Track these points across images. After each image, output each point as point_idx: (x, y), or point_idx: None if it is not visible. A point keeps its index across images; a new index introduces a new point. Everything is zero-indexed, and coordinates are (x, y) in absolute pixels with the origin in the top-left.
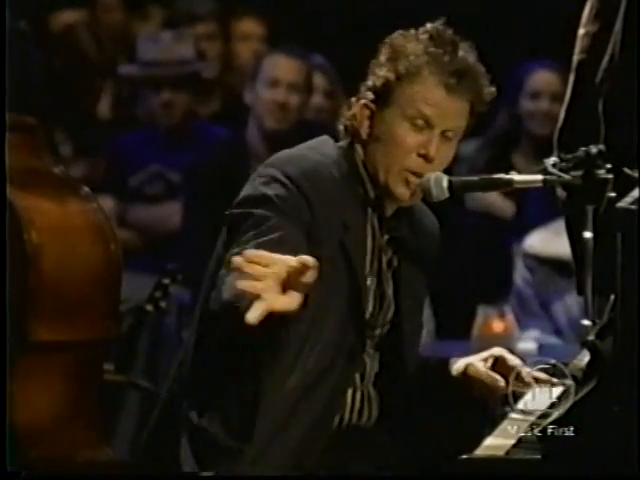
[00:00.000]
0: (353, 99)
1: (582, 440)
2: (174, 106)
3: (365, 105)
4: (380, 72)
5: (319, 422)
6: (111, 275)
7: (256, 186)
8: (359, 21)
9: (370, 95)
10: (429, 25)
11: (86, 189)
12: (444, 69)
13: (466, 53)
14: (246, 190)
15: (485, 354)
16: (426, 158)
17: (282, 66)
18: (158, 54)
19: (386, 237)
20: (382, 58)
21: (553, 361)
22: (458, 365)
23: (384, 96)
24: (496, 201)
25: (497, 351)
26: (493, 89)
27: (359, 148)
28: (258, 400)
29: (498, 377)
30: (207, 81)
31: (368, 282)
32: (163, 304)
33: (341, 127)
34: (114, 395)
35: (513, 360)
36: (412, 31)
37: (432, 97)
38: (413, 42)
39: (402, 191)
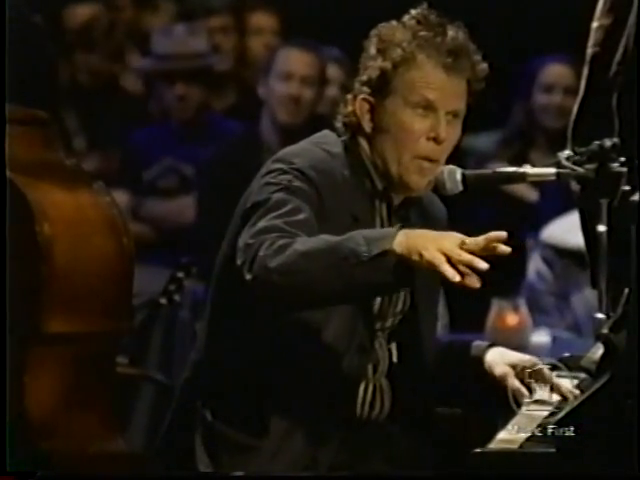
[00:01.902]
0: (349, 96)
1: (592, 435)
2: (188, 100)
3: (364, 99)
4: (374, 64)
5: (332, 417)
6: (123, 268)
7: (268, 180)
8: (376, 13)
9: (366, 89)
10: (413, 11)
11: (99, 182)
12: (439, 50)
13: (455, 32)
14: (257, 184)
15: (520, 360)
16: (436, 141)
17: (295, 59)
18: (172, 47)
19: (396, 227)
20: (372, 51)
21: (544, 365)
22: (490, 362)
23: (382, 87)
24: (520, 187)
25: (535, 364)
26: (486, 65)
27: (363, 142)
28: (272, 396)
29: (525, 392)
30: (221, 75)
31: None
32: (177, 297)
33: (339, 124)
34: (128, 388)
35: (550, 376)
36: (394, 22)
37: (433, 80)
38: (401, 29)
39: (417, 180)
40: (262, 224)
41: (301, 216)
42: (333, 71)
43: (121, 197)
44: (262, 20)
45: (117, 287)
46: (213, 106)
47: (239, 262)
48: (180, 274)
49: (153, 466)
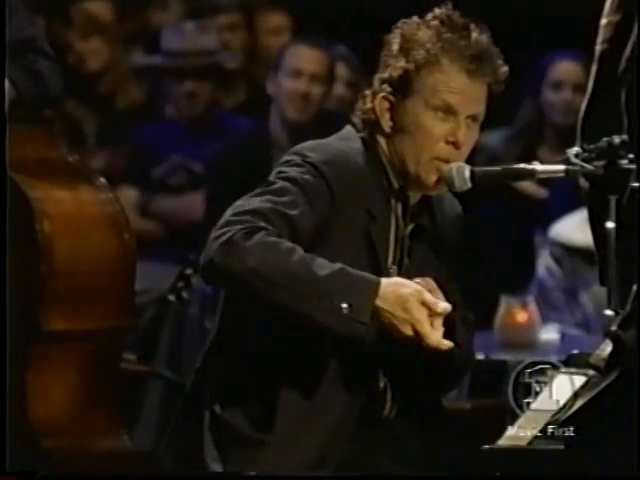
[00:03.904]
0: (368, 92)
1: (600, 433)
2: (197, 97)
3: (384, 98)
4: (397, 63)
5: (341, 414)
6: (125, 265)
7: (281, 168)
8: (382, 12)
9: (387, 87)
10: (437, 10)
11: (102, 179)
12: (462, 55)
13: (479, 35)
14: (272, 174)
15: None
16: (455, 145)
17: (305, 56)
18: (181, 44)
19: (410, 227)
20: (395, 49)
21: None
22: None
23: (403, 87)
24: (528, 185)
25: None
26: (507, 68)
27: (381, 140)
28: (280, 391)
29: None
30: (230, 72)
31: (390, 272)
32: (185, 294)
33: (357, 120)
34: (137, 385)
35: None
36: (415, 18)
37: (455, 85)
38: (424, 29)
39: (434, 179)
40: (254, 204)
41: (294, 211)
42: (340, 69)
43: (130, 194)
44: (272, 17)
45: (119, 284)
46: (222, 103)
47: (213, 234)
48: (189, 271)
49: (161, 460)
